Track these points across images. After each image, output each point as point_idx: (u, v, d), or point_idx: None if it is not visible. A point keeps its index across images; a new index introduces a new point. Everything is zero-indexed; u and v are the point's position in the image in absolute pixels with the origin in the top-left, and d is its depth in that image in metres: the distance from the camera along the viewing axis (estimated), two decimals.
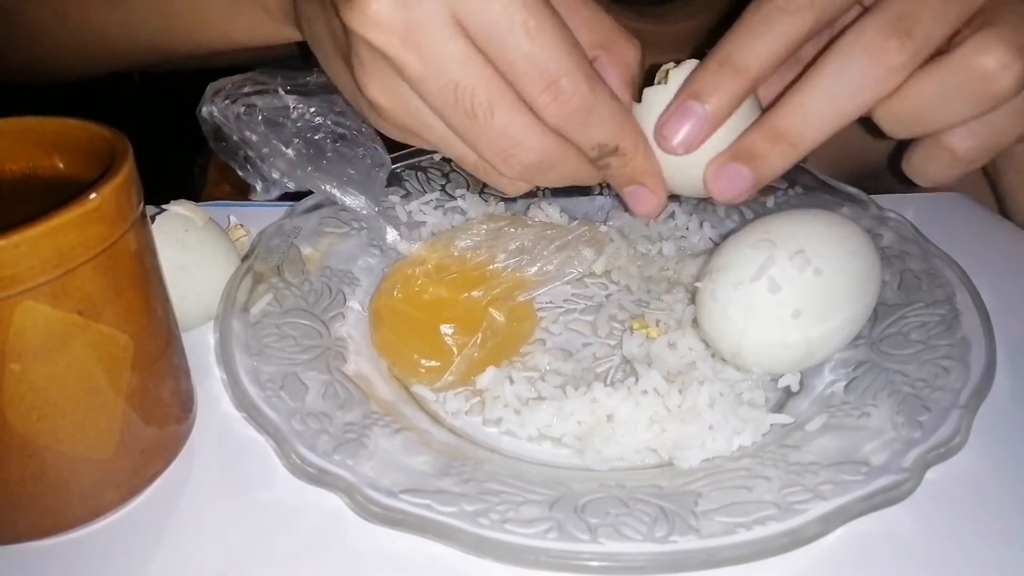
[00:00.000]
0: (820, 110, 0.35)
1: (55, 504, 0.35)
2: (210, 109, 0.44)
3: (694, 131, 0.37)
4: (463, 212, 0.54)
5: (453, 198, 0.54)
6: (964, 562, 0.35)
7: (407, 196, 0.54)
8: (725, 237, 0.42)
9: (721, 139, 0.38)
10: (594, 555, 0.32)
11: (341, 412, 0.39)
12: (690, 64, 0.39)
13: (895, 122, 0.36)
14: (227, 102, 0.44)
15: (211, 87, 0.45)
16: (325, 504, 0.36)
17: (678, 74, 0.39)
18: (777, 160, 0.37)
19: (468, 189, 0.55)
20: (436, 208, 0.53)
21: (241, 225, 0.53)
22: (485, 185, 0.52)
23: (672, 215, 0.55)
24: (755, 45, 0.36)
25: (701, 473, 0.37)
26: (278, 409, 0.38)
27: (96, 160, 0.35)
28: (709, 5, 0.65)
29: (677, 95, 0.38)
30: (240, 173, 0.44)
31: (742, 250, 0.40)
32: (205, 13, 0.55)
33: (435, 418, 0.42)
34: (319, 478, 0.35)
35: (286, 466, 0.36)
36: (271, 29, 0.53)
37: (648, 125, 0.40)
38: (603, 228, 0.50)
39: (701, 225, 0.54)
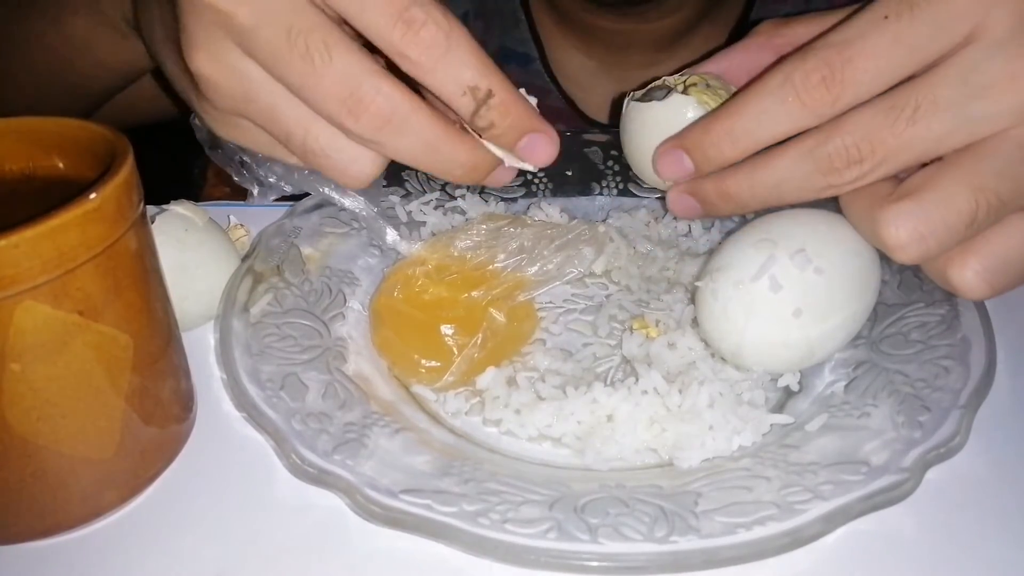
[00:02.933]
0: (764, 192, 0.38)
1: (55, 504, 0.35)
2: None
3: (679, 175, 0.41)
4: (463, 212, 0.54)
5: (453, 198, 0.54)
6: (964, 562, 0.35)
7: (407, 196, 0.54)
8: (726, 236, 0.42)
9: None
10: (594, 555, 0.32)
11: (341, 412, 0.39)
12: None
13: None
14: None
15: None
16: (325, 504, 0.36)
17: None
18: (724, 211, 0.40)
19: (468, 189, 0.55)
20: (436, 208, 0.53)
21: (241, 225, 0.53)
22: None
23: (675, 218, 0.55)
24: (761, 127, 0.36)
25: (701, 473, 0.37)
26: (278, 409, 0.38)
27: (96, 160, 0.35)
28: (687, 2, 0.65)
29: (675, 137, 0.40)
30: (236, 179, 0.44)
31: (743, 249, 0.40)
32: (76, 43, 0.57)
33: (435, 418, 0.42)
34: (319, 478, 0.35)
35: (286, 466, 0.36)
36: (118, 43, 0.54)
37: (642, 136, 0.42)
38: (603, 228, 0.50)
39: (707, 230, 0.54)
